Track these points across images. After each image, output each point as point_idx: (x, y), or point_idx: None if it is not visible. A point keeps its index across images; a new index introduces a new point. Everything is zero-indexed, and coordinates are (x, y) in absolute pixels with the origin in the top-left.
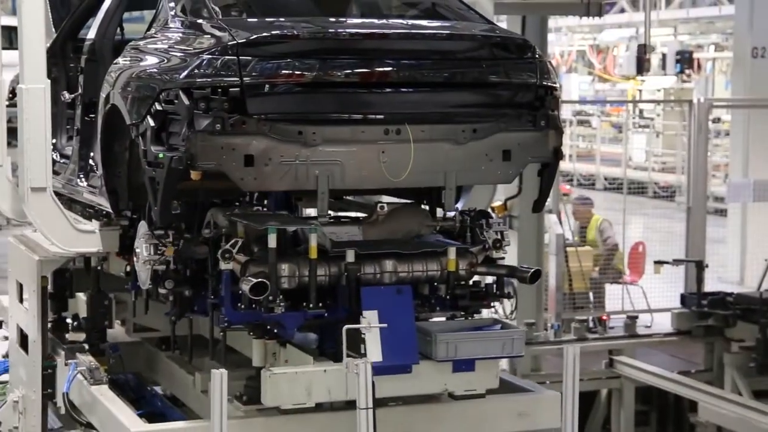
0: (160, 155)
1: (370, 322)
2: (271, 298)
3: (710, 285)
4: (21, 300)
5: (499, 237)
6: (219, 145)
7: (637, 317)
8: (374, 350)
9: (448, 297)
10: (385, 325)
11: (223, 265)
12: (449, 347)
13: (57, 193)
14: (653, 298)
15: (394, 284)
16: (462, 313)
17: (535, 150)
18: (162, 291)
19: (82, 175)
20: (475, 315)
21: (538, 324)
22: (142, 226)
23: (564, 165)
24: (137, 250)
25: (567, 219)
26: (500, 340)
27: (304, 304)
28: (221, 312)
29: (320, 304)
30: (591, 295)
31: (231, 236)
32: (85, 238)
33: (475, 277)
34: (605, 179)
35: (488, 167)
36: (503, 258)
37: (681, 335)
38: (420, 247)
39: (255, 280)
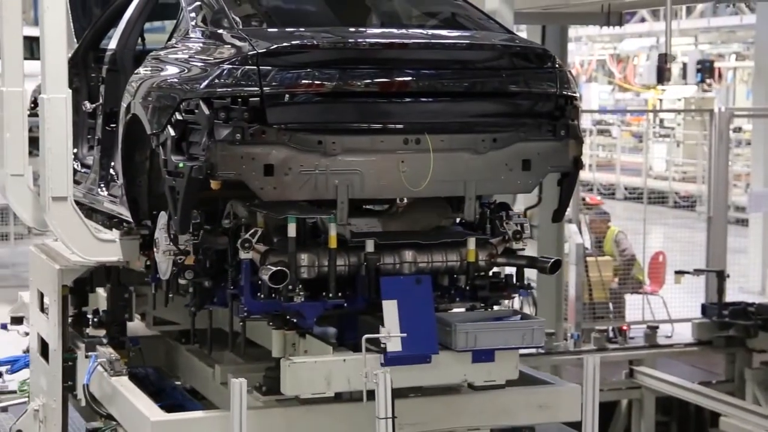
0: (181, 165)
1: (389, 331)
2: (290, 287)
3: (731, 295)
4: (42, 308)
5: (518, 228)
6: (239, 155)
7: (657, 327)
8: (394, 340)
9: (467, 288)
10: (405, 335)
11: (243, 255)
12: (469, 337)
13: (78, 203)
14: (674, 308)
15: (414, 275)
16: (481, 304)
17: (554, 159)
18: (182, 282)
19: (102, 185)
20: (494, 306)
21: (558, 334)
22: (162, 217)
23: (584, 174)
24: (157, 241)
25: (587, 229)
26: (520, 330)
27: (324, 293)
28: (241, 302)
29: (339, 294)
30: (611, 305)
31: (251, 226)
32: (105, 247)
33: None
34: (625, 189)
35: (508, 177)
36: (523, 249)
37: (702, 345)
38: (439, 238)
39: (274, 269)
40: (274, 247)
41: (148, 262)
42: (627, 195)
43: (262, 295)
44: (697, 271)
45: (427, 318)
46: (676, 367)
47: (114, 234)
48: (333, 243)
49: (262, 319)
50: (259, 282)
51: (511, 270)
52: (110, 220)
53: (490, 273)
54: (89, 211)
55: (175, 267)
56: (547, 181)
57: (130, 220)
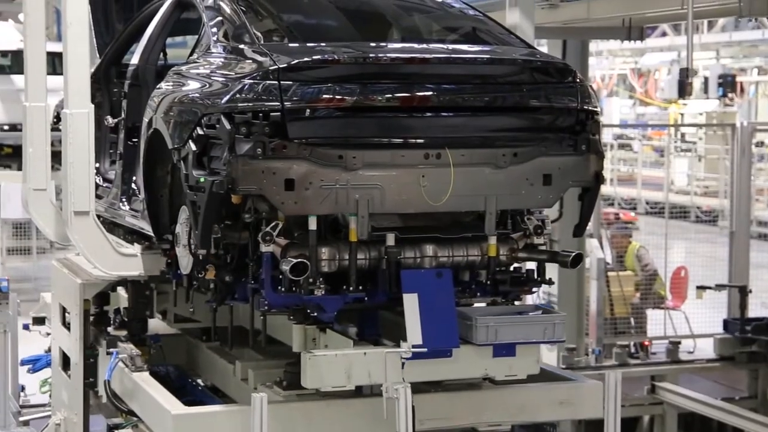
0: (202, 179)
1: (410, 344)
2: (311, 279)
3: (754, 310)
4: (63, 322)
5: (539, 223)
6: (260, 170)
7: (679, 343)
8: (414, 334)
9: (488, 282)
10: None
11: (264, 248)
12: (490, 331)
13: (99, 217)
14: (696, 323)
15: (435, 269)
16: (502, 299)
17: (575, 174)
18: (203, 276)
19: (124, 199)
20: (515, 302)
21: (579, 349)
22: (184, 211)
23: (605, 189)
24: (178, 235)
25: (608, 244)
26: (541, 324)
27: (344, 287)
28: (261, 296)
29: (360, 288)
30: (632, 320)
31: (271, 219)
32: (127, 262)
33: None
34: (647, 203)
35: (529, 191)
36: (544, 244)
37: (724, 361)
38: (460, 232)
39: (295, 260)
40: (295, 241)
41: (169, 261)
42: (648, 209)
43: (283, 289)
44: (719, 287)
45: (447, 312)
46: (698, 382)
47: (135, 248)
48: (354, 236)
49: (282, 314)
50: (280, 276)
51: (532, 265)
52: (132, 235)
53: (511, 268)
54: (111, 226)
55: (195, 262)
56: (567, 195)
57: (152, 234)
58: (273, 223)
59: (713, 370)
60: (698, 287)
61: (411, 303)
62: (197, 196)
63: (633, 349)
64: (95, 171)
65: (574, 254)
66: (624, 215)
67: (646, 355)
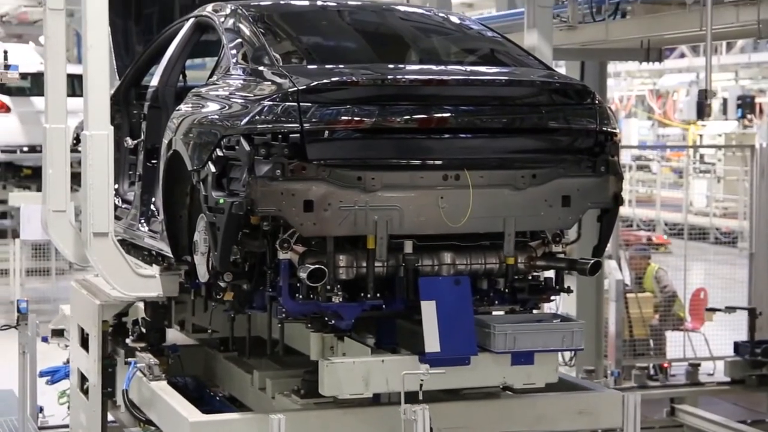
0: (221, 201)
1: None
2: (328, 287)
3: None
4: (83, 344)
5: (558, 231)
6: (279, 191)
7: (699, 365)
8: (432, 341)
9: (506, 290)
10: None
11: (282, 255)
12: (508, 339)
13: (119, 239)
14: (716, 345)
15: (452, 276)
16: (520, 307)
17: (594, 195)
18: (221, 284)
19: (143, 220)
20: (533, 310)
21: (598, 371)
22: (202, 219)
23: (624, 210)
24: (196, 243)
25: (627, 265)
26: (560, 332)
27: (362, 294)
28: (279, 303)
29: (378, 295)
30: (651, 341)
31: (289, 226)
32: (145, 283)
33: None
34: (666, 224)
35: (548, 213)
36: (562, 252)
37: (734, 384)
38: (478, 240)
39: (312, 267)
40: (313, 248)
41: (188, 270)
42: (667, 231)
43: (301, 296)
44: (729, 309)
45: (465, 319)
46: (718, 405)
47: (154, 269)
48: (371, 243)
49: (300, 321)
50: (298, 284)
51: (550, 273)
52: (150, 256)
53: (530, 276)
54: (129, 247)
55: (215, 285)
56: (586, 217)
57: (170, 255)
58: (290, 230)
59: (732, 392)
60: (707, 309)
61: (429, 310)
62: (216, 217)
63: (652, 371)
64: (114, 192)
65: (592, 262)
66: (657, 238)
67: (666, 378)
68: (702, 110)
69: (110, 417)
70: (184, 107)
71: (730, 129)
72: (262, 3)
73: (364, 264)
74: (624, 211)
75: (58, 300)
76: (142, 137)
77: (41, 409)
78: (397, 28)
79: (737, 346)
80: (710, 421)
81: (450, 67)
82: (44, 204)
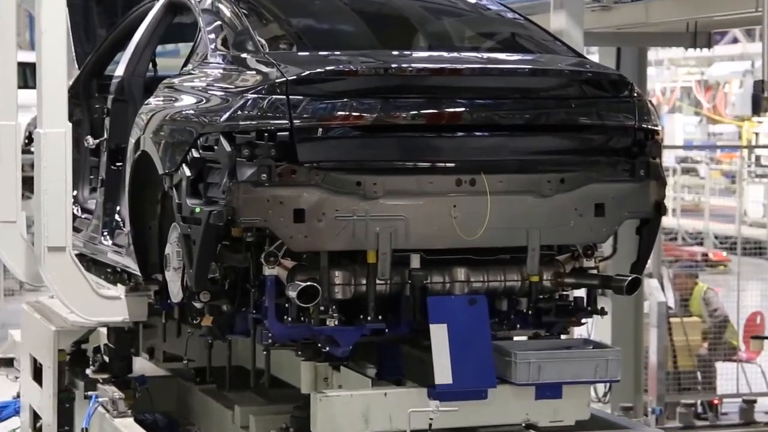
0: (197, 209)
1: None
2: (322, 307)
3: None
4: (35, 376)
5: (590, 245)
6: (265, 198)
7: (755, 401)
8: (443, 372)
9: (530, 312)
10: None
11: (267, 271)
12: (532, 369)
13: (78, 254)
14: None
15: (467, 295)
16: (546, 331)
17: (632, 204)
18: (197, 305)
19: (106, 233)
20: (561, 335)
21: (637, 408)
22: (175, 230)
23: (667, 221)
24: (168, 257)
25: (670, 285)
26: (592, 360)
27: (361, 316)
28: (264, 327)
29: (379, 317)
30: (699, 374)
31: (276, 237)
32: (108, 306)
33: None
34: (715, 237)
35: (578, 224)
36: (595, 268)
37: None
38: (497, 253)
39: (303, 284)
40: (304, 262)
41: (158, 289)
42: (717, 245)
43: (290, 319)
44: None
45: (482, 345)
46: None
47: (119, 290)
48: (372, 258)
49: (289, 348)
50: (286, 304)
51: (581, 292)
52: (115, 274)
53: (557, 295)
54: (90, 263)
55: (190, 308)
56: (623, 228)
57: (138, 273)
58: (278, 242)
59: None
60: (752, 337)
61: (439, 335)
62: (192, 229)
63: (700, 409)
64: (73, 200)
65: (630, 279)
66: (715, 255)
67: (716, 416)
68: (758, 104)
69: None
70: (154, 101)
71: None
72: None
73: (364, 281)
74: (667, 221)
75: (6, 325)
76: (105, 136)
77: None
78: (402, 9)
79: None
80: None
81: (464, 55)
82: None
